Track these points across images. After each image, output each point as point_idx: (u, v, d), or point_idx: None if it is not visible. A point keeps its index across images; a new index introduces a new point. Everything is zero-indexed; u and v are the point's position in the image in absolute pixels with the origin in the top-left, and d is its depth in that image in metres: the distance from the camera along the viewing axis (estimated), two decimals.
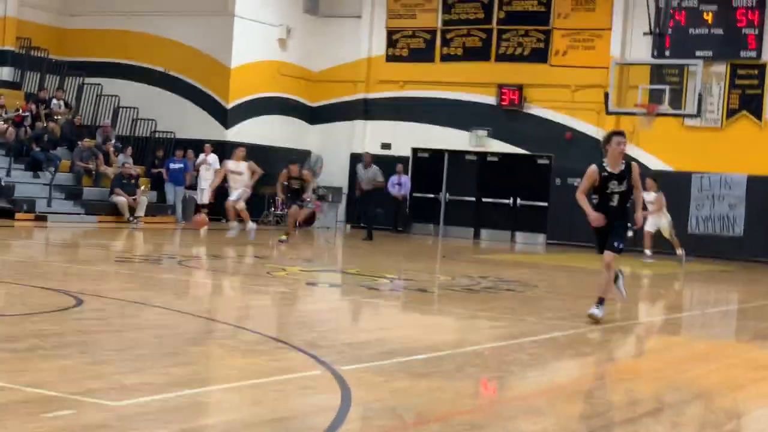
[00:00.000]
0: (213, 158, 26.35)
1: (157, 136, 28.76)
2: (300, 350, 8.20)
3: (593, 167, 11.06)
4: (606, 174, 10.97)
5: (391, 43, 30.94)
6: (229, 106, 28.89)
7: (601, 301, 11.12)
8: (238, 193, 21.26)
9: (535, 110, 29.09)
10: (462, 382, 7.59)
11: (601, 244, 11.16)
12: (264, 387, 6.76)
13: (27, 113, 26.38)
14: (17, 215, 22.99)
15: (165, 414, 5.94)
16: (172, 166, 27.28)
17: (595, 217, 10.94)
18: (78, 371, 6.84)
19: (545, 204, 28.84)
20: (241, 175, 21.25)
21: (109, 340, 8.23)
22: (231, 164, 21.51)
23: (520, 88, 29.10)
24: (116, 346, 7.93)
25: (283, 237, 21.09)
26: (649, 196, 21.82)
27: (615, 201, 11.03)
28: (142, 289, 12.22)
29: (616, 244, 11.06)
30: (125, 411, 5.80)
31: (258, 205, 29.53)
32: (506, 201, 29.37)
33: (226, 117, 28.91)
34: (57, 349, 7.55)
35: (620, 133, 11.28)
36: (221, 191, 22.58)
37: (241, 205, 21.33)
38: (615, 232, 11.07)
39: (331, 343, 8.77)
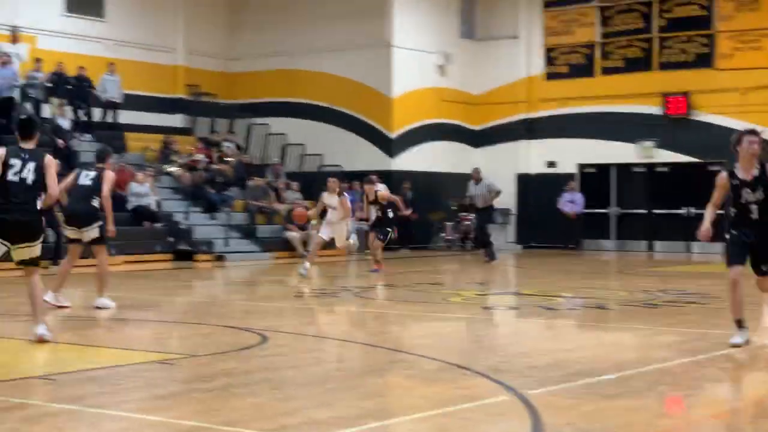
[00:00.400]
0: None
1: (324, 170, 29.26)
2: (484, 376, 8.18)
3: (723, 175, 9.75)
4: (737, 182, 9.61)
5: (549, 60, 30.75)
6: (393, 135, 29.20)
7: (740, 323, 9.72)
8: (330, 231, 19.95)
9: (704, 117, 28.38)
10: (654, 401, 7.43)
11: (737, 255, 9.62)
12: (452, 415, 6.76)
13: (200, 157, 27.25)
14: (197, 256, 23.72)
15: None
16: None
17: (701, 232, 9.79)
18: (270, 408, 6.98)
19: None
20: (335, 210, 19.80)
21: (296, 375, 8.38)
22: (326, 197, 20.00)
23: (686, 95, 28.45)
24: (303, 381, 8.07)
25: (374, 268, 20.16)
26: None
27: (755, 213, 9.55)
28: (322, 323, 12.41)
29: (764, 268, 9.65)
30: None
31: (426, 230, 29.74)
32: (679, 211, 28.68)
33: (390, 146, 29.22)
34: (248, 386, 7.73)
35: (753, 132, 9.75)
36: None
37: (343, 242, 20.30)
38: (763, 250, 9.60)
39: (514, 367, 8.71)
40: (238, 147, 29.45)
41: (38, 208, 9.89)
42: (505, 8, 31.33)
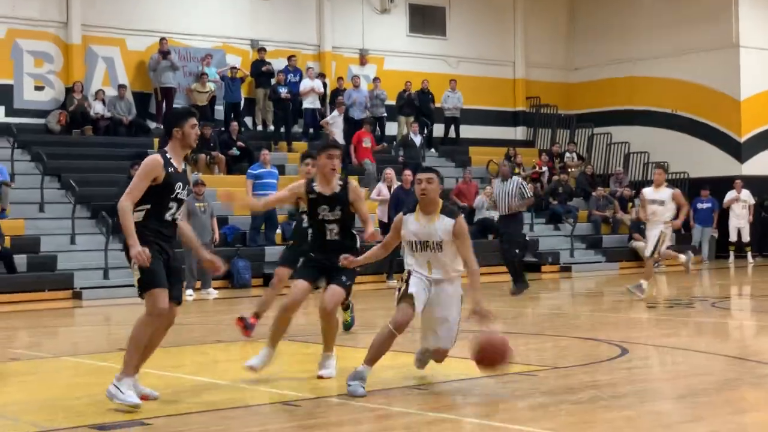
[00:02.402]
0: (746, 194, 25.64)
1: (670, 177, 28.48)
2: None
3: None
4: None
5: None
6: (743, 139, 28.01)
7: None
8: (656, 234, 16.39)
9: None
10: None
11: None
12: None
13: (543, 169, 27.33)
14: (543, 268, 23.79)
15: None
16: (699, 206, 26.85)
17: None
18: (643, 422, 6.85)
19: None
20: (663, 206, 16.33)
21: (664, 388, 8.17)
22: (648, 192, 16.71)
23: None
24: (673, 395, 7.86)
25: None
26: None
27: None
28: (681, 335, 12.06)
29: None
30: None
31: None
32: None
33: (740, 151, 28.06)
34: (616, 399, 7.62)
35: None
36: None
37: (664, 251, 16.76)
38: None
39: None
40: (580, 157, 29.28)
41: None
42: None
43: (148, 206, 7.48)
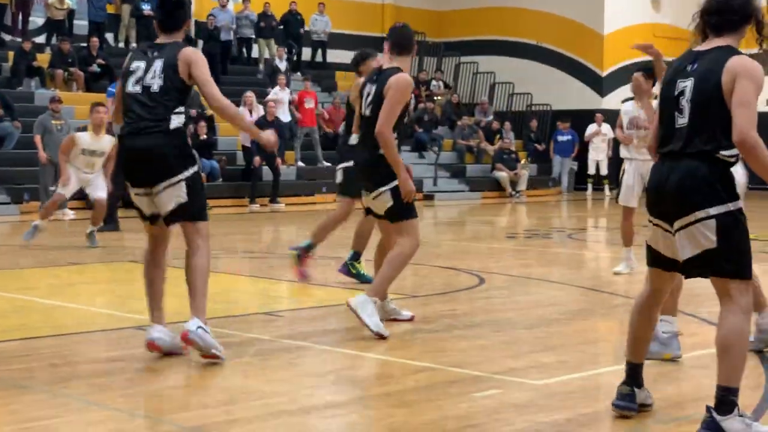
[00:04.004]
0: (606, 128, 26.15)
1: (533, 109, 28.90)
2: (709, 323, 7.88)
3: None
4: None
5: None
6: (604, 74, 28.51)
7: None
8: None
9: None
10: None
11: None
12: (683, 361, 6.56)
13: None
14: None
15: (589, 392, 5.92)
16: (559, 138, 27.29)
17: None
18: (496, 350, 6.96)
19: None
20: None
21: (518, 318, 8.31)
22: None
23: None
24: (526, 324, 8.00)
25: None
26: None
27: None
28: (538, 265, 12.30)
29: None
30: (549, 390, 5.82)
31: None
32: None
33: (601, 85, 28.56)
34: (471, 328, 7.72)
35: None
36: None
37: None
38: None
39: None
40: (447, 86, 29.41)
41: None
42: None
43: None
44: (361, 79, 8.61)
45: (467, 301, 9.27)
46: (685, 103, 4.91)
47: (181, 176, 6.29)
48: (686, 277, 5.16)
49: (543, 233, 16.42)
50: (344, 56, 28.69)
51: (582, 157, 27.12)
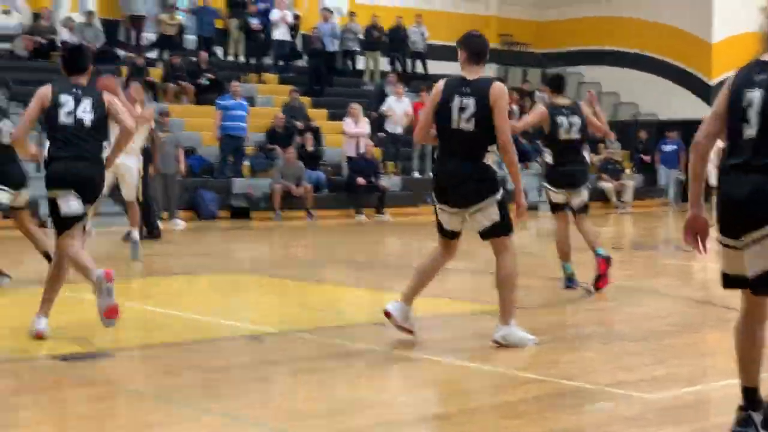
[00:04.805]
0: None
1: (639, 119, 28.57)
2: None
3: None
4: None
5: None
6: (713, 82, 28.03)
7: None
8: None
9: None
10: None
11: None
12: None
13: (513, 107, 27.24)
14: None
15: (700, 407, 5.85)
16: (664, 148, 26.92)
17: None
18: (605, 362, 6.91)
19: None
20: None
21: (627, 330, 8.25)
22: None
23: None
24: (635, 337, 7.92)
25: None
26: None
27: None
28: (645, 276, 12.17)
29: None
30: (660, 404, 5.76)
31: None
32: None
33: (709, 95, 28.07)
34: (579, 340, 7.69)
35: None
36: None
37: None
38: None
39: None
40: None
41: None
42: None
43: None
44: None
45: (574, 312, 9.22)
46: (753, 114, 4.73)
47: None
48: (755, 294, 4.88)
49: (650, 244, 16.22)
50: (448, 68, 28.74)
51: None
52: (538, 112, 10.26)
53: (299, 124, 22.62)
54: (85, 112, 7.29)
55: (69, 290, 9.94)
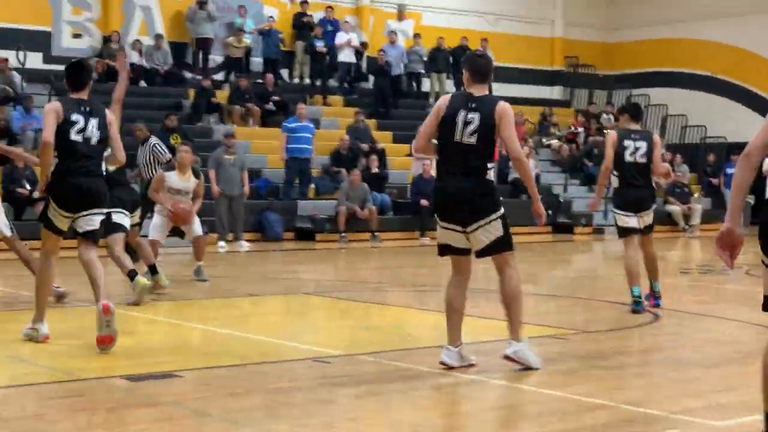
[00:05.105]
0: None
1: (707, 141, 28.26)
2: None
3: None
4: None
5: None
6: None
7: None
8: None
9: None
10: None
11: None
12: None
13: (579, 130, 27.12)
14: (576, 229, 23.69)
15: None
16: (729, 171, 26.56)
17: None
18: (672, 389, 6.82)
19: None
20: None
21: (695, 356, 8.13)
22: None
23: None
24: (703, 363, 7.81)
25: None
26: None
27: None
28: (714, 301, 12.00)
29: None
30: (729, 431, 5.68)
31: None
32: None
33: None
34: (646, 366, 7.60)
35: None
36: None
37: None
38: None
39: None
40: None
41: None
42: None
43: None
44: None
45: (641, 337, 9.11)
46: None
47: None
48: None
49: (718, 269, 15.99)
50: (512, 90, 28.71)
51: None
52: (610, 141, 10.51)
53: (364, 146, 22.70)
54: (93, 131, 8.01)
55: (137, 310, 10.06)
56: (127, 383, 6.75)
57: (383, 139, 24.12)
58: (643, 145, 10.22)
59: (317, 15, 26.09)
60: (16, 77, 21.47)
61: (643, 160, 10.24)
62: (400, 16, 27.98)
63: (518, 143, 7.29)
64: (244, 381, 6.93)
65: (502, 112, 7.13)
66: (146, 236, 12.19)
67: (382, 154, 22.76)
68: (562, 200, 24.55)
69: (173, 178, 12.35)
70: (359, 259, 17.84)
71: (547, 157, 26.29)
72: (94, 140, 8.04)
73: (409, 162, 23.09)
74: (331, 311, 11.00)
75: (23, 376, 7.05)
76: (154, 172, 13.18)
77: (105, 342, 7.67)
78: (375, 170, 21.80)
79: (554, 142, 26.46)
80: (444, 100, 7.35)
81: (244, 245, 18.53)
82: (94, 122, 8.01)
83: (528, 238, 22.23)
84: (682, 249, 21.23)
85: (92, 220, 8.05)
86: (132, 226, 11.02)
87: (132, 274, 10.37)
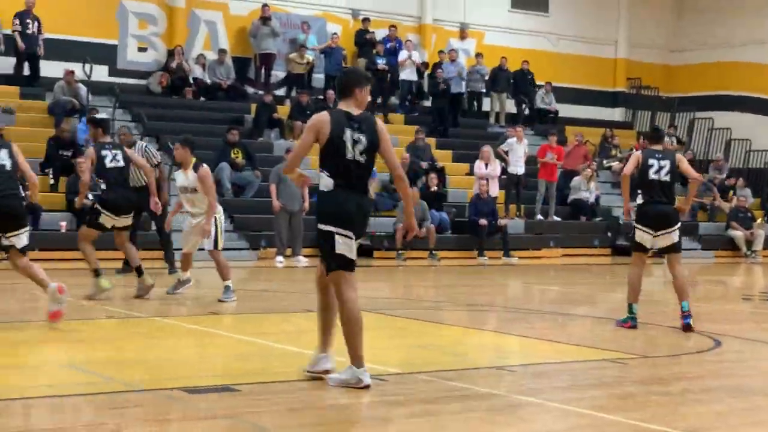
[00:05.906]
0: None
1: None
2: None
3: None
4: None
5: None
6: None
7: None
8: None
9: None
10: None
11: None
12: None
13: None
14: None
15: None
16: None
17: None
18: (734, 417, 6.71)
19: None
20: None
21: (757, 384, 7.99)
22: None
23: None
24: (765, 391, 7.69)
25: None
26: None
27: None
28: None
29: None
30: None
31: None
32: None
33: None
34: (706, 392, 7.48)
35: None
36: None
37: None
38: None
39: None
40: (680, 141, 28.73)
41: None
42: None
43: None
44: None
45: (701, 363, 8.98)
46: None
47: None
48: None
49: None
50: (574, 110, 28.56)
51: None
52: (633, 158, 10.88)
53: (424, 165, 22.69)
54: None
55: (197, 323, 10.11)
56: (185, 395, 6.78)
57: (443, 157, 24.10)
58: (666, 164, 10.61)
59: (380, 32, 26.17)
60: (82, 89, 21.76)
61: (667, 178, 10.60)
62: (463, 35, 28.00)
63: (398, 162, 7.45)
64: (300, 396, 6.93)
65: (383, 131, 7.30)
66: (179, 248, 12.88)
67: (441, 173, 22.74)
68: (621, 223, 24.29)
69: (179, 176, 12.41)
70: (416, 278, 17.81)
71: (607, 179, 26.08)
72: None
73: (469, 181, 23.04)
74: (387, 329, 10.97)
75: (81, 386, 7.12)
76: (143, 174, 13.44)
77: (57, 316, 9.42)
78: (434, 189, 21.78)
79: (615, 165, 26.23)
80: (322, 120, 7.24)
81: (302, 261, 18.57)
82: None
83: (586, 260, 22.08)
84: (744, 275, 20.94)
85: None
86: (123, 227, 12.23)
87: (97, 273, 11.89)
